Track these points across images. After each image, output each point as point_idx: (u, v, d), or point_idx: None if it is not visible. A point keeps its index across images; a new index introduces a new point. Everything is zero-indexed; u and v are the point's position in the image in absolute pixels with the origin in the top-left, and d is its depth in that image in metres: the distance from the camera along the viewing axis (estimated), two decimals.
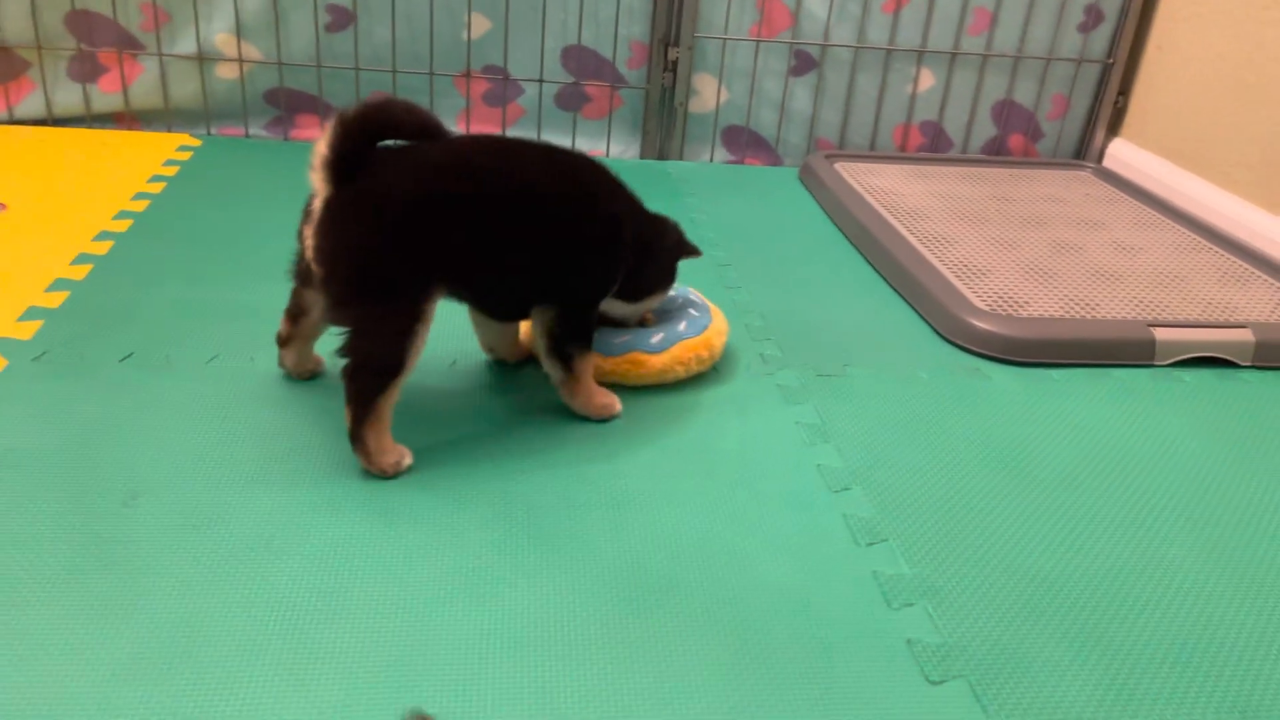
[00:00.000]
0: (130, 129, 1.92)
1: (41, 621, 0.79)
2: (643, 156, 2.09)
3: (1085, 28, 2.12)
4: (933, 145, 2.18)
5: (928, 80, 2.11)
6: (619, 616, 0.85)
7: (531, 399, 1.16)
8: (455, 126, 2.04)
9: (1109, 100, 2.16)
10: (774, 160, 2.14)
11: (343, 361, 0.98)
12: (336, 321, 0.99)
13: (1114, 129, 2.20)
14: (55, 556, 0.85)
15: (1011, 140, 2.20)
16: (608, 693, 0.77)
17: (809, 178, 2.00)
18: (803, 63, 2.07)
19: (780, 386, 1.24)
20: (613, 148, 2.08)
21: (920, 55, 2.09)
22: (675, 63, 2.01)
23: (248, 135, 1.96)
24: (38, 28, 1.84)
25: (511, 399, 1.16)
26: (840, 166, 2.00)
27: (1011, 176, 2.06)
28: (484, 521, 0.95)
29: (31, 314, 1.23)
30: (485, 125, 2.05)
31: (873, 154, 2.10)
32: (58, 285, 1.30)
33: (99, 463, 0.97)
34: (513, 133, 2.05)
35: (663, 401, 1.18)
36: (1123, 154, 2.16)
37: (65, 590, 0.82)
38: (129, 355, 1.16)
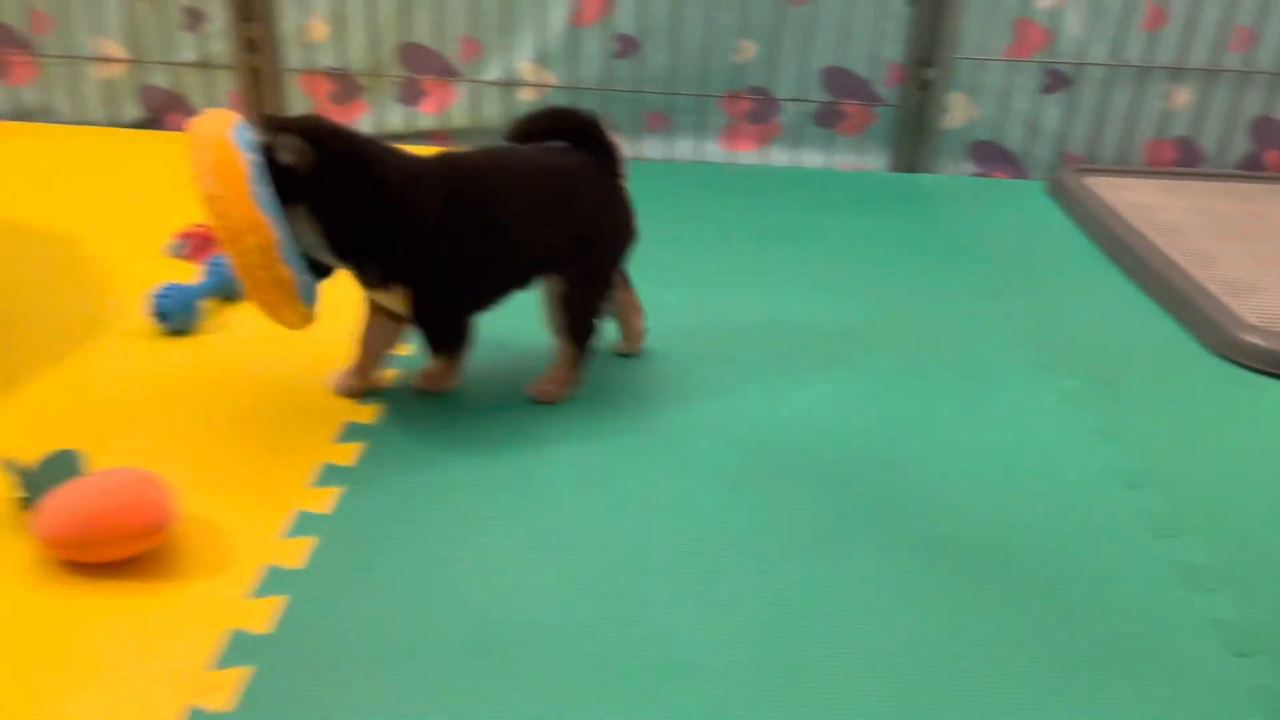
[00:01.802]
0: (446, 144, 2.21)
1: (498, 548, 1.02)
2: (893, 169, 2.22)
3: None
4: (1184, 160, 2.21)
5: (1183, 97, 2.15)
6: (953, 588, 1.01)
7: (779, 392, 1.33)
8: (718, 144, 2.23)
9: None
10: (1019, 174, 2.23)
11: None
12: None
13: None
14: (495, 500, 1.09)
15: (1268, 155, 2.20)
16: (951, 643, 0.93)
17: (1059, 191, 2.08)
18: (1055, 80, 2.15)
19: (1061, 393, 1.36)
20: (864, 161, 2.22)
21: (1178, 72, 2.13)
22: (929, 82, 2.14)
23: None
24: (375, 58, 2.15)
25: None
26: (1090, 180, 2.07)
27: (1270, 192, 2.07)
28: (823, 497, 1.13)
29: None
30: (746, 141, 2.23)
31: (1124, 168, 2.15)
32: None
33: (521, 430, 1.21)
34: (773, 150, 2.23)
35: (950, 406, 1.32)
36: None
37: (508, 526, 1.05)
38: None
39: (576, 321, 1.25)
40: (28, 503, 1.01)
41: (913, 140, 2.20)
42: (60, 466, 1.01)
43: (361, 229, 1.11)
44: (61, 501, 0.93)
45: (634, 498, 1.10)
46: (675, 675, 0.87)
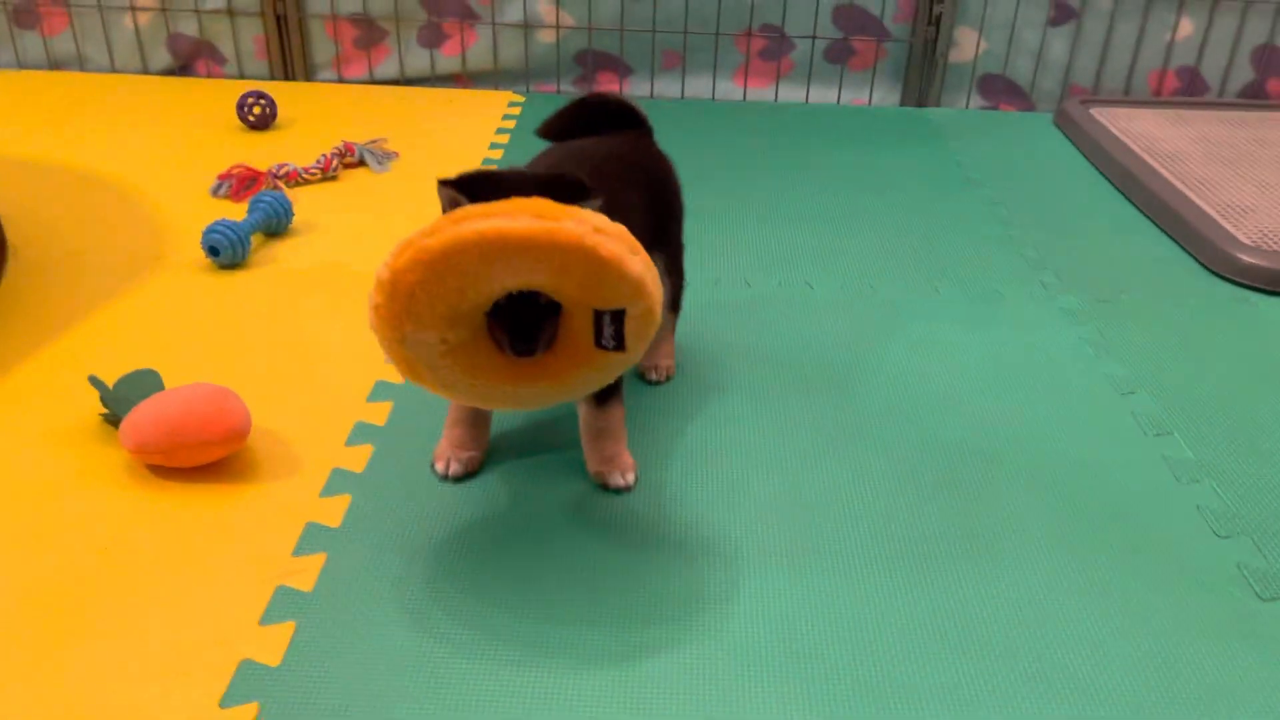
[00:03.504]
0: (466, 88, 2.28)
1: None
2: (902, 104, 2.28)
3: None
4: (1188, 90, 2.26)
5: (1187, 28, 2.19)
6: (962, 483, 1.10)
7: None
8: (734, 83, 2.29)
9: None
10: (1027, 106, 2.28)
11: None
12: None
13: None
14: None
15: (1270, 84, 2.25)
16: (959, 528, 1.03)
17: (1066, 123, 2.13)
18: (1062, 13, 2.19)
19: (1062, 310, 1.44)
20: (874, 96, 2.28)
21: (1182, 3, 2.17)
22: (939, 17, 2.18)
23: (559, 91, 2.28)
24: (396, 2, 2.21)
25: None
26: (1096, 112, 2.12)
27: (1271, 120, 2.12)
28: (834, 407, 1.21)
29: None
30: (760, 79, 2.28)
31: (1129, 99, 2.20)
32: None
33: None
34: (783, 87, 2.28)
35: (957, 325, 1.41)
36: None
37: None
38: None
39: (677, 292, 1.26)
40: (110, 417, 1.11)
41: (922, 75, 2.25)
42: (140, 384, 1.10)
43: None
44: (149, 412, 1.02)
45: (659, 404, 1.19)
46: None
